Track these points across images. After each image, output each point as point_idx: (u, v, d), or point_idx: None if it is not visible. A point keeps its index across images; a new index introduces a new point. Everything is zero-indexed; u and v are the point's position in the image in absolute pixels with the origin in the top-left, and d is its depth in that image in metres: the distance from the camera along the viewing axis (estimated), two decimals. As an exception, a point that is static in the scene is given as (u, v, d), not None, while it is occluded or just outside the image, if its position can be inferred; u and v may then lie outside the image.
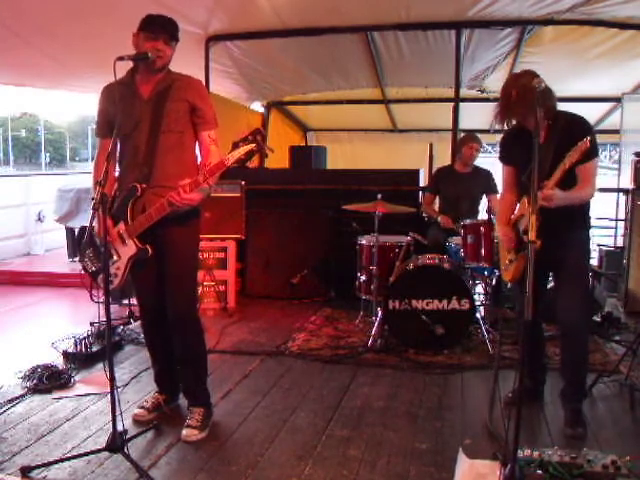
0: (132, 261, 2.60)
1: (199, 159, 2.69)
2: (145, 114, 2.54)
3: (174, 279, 2.62)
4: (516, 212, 2.81)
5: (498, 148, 2.92)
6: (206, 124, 2.59)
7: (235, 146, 2.32)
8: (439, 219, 4.60)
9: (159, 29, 2.47)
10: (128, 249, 2.58)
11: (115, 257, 2.62)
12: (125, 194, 2.58)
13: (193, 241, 2.71)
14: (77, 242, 2.63)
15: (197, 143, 2.64)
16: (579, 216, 2.66)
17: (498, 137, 3.06)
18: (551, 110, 2.54)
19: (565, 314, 2.66)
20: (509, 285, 4.35)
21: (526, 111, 2.51)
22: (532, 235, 2.09)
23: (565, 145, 2.45)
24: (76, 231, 7.02)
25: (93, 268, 2.70)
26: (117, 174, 2.71)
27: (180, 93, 2.55)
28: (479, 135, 4.86)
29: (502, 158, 2.89)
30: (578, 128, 2.56)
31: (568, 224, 2.58)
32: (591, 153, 2.54)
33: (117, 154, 2.67)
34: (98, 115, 2.69)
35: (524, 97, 2.46)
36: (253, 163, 2.40)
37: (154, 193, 2.54)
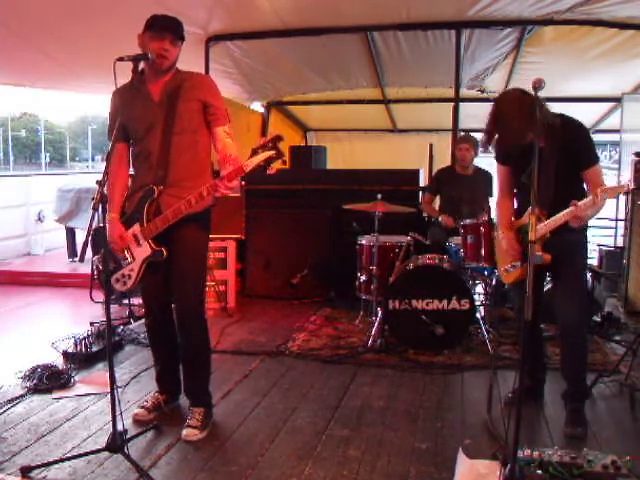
0: (146, 263, 2.60)
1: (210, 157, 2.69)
2: (158, 116, 2.54)
3: (183, 277, 2.63)
4: (523, 218, 2.78)
5: (494, 148, 2.88)
6: (219, 120, 2.58)
7: (254, 152, 2.31)
8: (440, 219, 4.60)
9: (165, 29, 2.46)
10: (143, 250, 2.59)
11: (129, 258, 2.63)
12: (141, 196, 2.58)
13: (203, 241, 2.71)
14: (92, 243, 2.61)
15: (211, 140, 2.63)
16: None
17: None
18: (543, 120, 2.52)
19: (564, 314, 2.67)
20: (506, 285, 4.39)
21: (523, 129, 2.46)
22: (532, 235, 2.09)
23: (568, 150, 2.47)
24: (76, 232, 7.04)
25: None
26: (131, 175, 2.73)
27: (191, 92, 2.55)
28: (479, 135, 4.84)
29: (498, 158, 2.87)
30: (577, 133, 2.59)
31: (566, 225, 2.58)
32: (594, 158, 2.59)
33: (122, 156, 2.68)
34: (110, 119, 2.67)
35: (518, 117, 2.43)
36: (272, 170, 2.37)
37: (170, 194, 2.55)
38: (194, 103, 2.55)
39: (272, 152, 2.30)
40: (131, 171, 2.76)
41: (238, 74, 6.36)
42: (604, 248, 5.63)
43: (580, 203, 2.39)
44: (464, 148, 4.60)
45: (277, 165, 2.37)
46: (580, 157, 2.57)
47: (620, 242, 5.63)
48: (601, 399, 3.02)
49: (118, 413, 2.26)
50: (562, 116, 2.58)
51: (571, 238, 2.62)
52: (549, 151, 2.51)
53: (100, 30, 4.65)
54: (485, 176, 4.69)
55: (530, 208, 2.49)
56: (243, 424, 2.74)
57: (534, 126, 2.32)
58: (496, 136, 2.63)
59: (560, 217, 2.48)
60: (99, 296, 4.77)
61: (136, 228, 2.59)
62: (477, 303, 4.03)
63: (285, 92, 7.29)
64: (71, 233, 7.03)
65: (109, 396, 2.31)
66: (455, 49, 5.12)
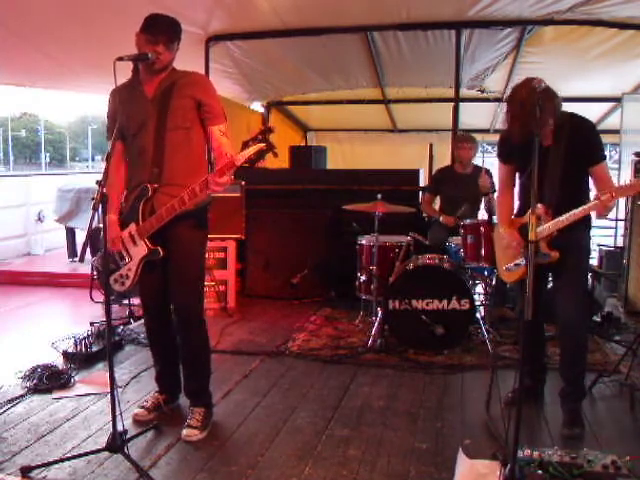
0: (143, 262, 2.60)
1: (207, 155, 2.68)
2: (150, 113, 2.53)
3: (180, 276, 2.62)
4: (524, 217, 2.78)
5: (497, 146, 2.89)
6: (215, 118, 2.57)
7: (245, 145, 2.30)
8: (441, 219, 4.60)
9: (159, 33, 2.45)
10: (139, 250, 2.59)
11: (127, 258, 2.62)
12: (136, 194, 2.58)
13: (200, 239, 2.70)
14: (88, 243, 2.61)
15: (207, 138, 2.61)
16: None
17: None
18: (557, 111, 2.52)
19: (564, 313, 2.66)
20: (509, 285, 4.39)
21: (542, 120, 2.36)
22: (532, 235, 2.09)
23: (576, 147, 2.46)
24: (76, 232, 7.04)
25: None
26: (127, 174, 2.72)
27: (185, 90, 2.54)
28: (479, 135, 4.85)
29: (501, 156, 2.87)
30: (587, 131, 2.60)
31: (570, 224, 2.58)
32: (601, 155, 2.60)
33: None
34: (108, 119, 2.68)
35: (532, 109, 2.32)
36: (264, 162, 2.36)
37: (164, 192, 2.54)
38: (188, 100, 2.53)
39: (263, 144, 2.28)
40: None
41: (238, 74, 6.36)
42: (604, 248, 5.62)
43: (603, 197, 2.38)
44: (466, 147, 4.61)
45: (274, 162, 2.37)
46: (588, 154, 2.58)
47: (620, 242, 5.62)
48: (601, 399, 3.02)
49: (118, 413, 2.26)
50: (570, 114, 2.58)
51: (575, 237, 2.62)
52: (557, 150, 2.51)
53: (100, 30, 4.65)
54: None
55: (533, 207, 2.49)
56: (243, 424, 2.74)
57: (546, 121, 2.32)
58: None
59: (580, 211, 2.45)
60: (99, 296, 4.77)
61: (132, 227, 2.58)
62: (477, 303, 4.03)
63: (285, 92, 7.29)
64: (71, 233, 7.03)
65: (109, 396, 2.31)
66: (455, 49, 5.12)
